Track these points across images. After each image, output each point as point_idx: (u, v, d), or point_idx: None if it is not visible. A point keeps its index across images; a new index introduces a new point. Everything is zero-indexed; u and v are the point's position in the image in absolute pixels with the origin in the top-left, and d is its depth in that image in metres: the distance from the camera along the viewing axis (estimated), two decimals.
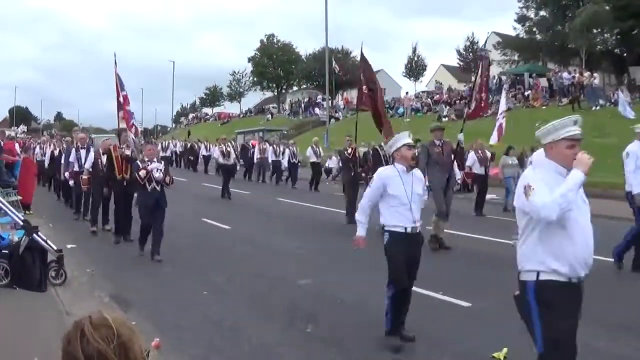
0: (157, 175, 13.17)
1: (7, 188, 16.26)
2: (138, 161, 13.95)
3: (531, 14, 56.74)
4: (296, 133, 60.06)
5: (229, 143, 31.18)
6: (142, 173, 13.06)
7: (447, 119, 48.64)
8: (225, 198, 25.62)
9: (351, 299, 10.19)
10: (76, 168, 18.76)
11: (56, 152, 24.85)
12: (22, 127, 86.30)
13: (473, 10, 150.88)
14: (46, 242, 10.70)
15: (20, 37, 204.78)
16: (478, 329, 8.51)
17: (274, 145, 36.44)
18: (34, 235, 10.45)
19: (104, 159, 16.25)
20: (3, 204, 11.29)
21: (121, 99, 17.87)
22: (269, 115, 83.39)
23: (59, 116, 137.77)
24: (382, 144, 18.73)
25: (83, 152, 18.69)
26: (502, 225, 17.63)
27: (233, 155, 29.36)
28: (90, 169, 16.94)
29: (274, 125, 68.83)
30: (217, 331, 8.63)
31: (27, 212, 16.89)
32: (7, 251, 10.30)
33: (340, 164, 27.36)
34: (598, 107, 38.10)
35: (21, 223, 10.70)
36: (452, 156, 15.28)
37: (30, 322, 8.62)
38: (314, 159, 32.32)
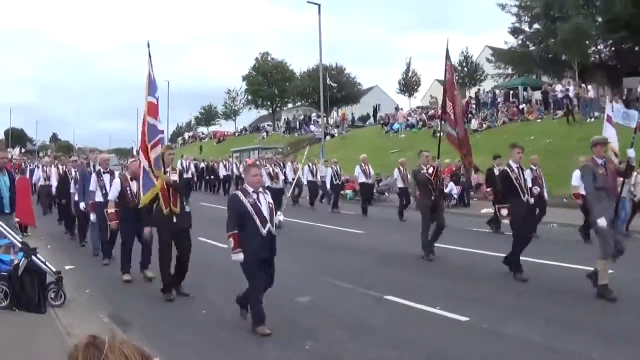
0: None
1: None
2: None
3: (525, 26, 56.93)
4: (292, 151, 60.08)
5: (275, 163, 27.86)
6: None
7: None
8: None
9: (349, 315, 10.22)
10: (99, 198, 15.21)
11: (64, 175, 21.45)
12: (17, 150, 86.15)
13: (467, 24, 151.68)
14: (45, 264, 10.72)
15: (14, 57, 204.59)
16: (477, 344, 8.55)
17: (310, 164, 31.49)
18: (33, 257, 10.48)
19: (134, 186, 13.30)
20: (2, 226, 11.32)
21: (144, 107, 12.11)
22: (264, 133, 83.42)
23: (54, 137, 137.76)
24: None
25: (107, 177, 15.44)
26: (496, 239, 17.76)
27: (282, 177, 26.57)
28: (117, 200, 13.77)
29: (270, 143, 68.83)
30: (218, 349, 8.67)
31: (24, 233, 16.87)
32: (6, 273, 10.33)
33: (398, 185, 25.97)
34: (592, 119, 38.16)
35: (19, 245, 10.74)
36: (617, 178, 11.87)
37: (30, 344, 8.63)
38: (363, 179, 27.71)
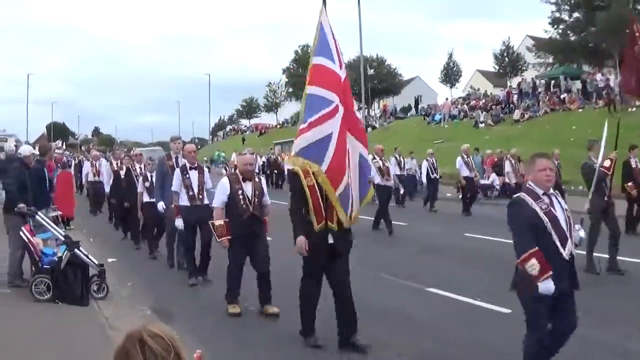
0: None
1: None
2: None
3: (565, 16, 56.21)
4: None
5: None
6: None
7: (483, 124, 48.44)
8: (377, 230, 19.02)
9: (390, 307, 10.19)
10: (184, 201, 12.29)
11: (123, 174, 18.25)
12: (58, 143, 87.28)
13: (507, 11, 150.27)
14: (87, 257, 10.82)
15: (52, 52, 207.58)
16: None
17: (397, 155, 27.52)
18: (76, 250, 10.60)
19: (248, 188, 10.10)
20: (44, 220, 11.46)
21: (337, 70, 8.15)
22: None
23: (96, 131, 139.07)
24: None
25: (194, 174, 12.51)
26: None
27: (393, 172, 22.51)
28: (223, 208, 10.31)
29: None
30: (259, 343, 8.68)
31: (67, 227, 17.04)
32: (49, 266, 10.46)
33: (462, 174, 23.56)
34: (634, 109, 37.61)
35: (62, 238, 10.87)
36: None
37: (73, 336, 8.72)
38: (466, 173, 23.73)
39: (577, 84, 49.25)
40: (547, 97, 47.60)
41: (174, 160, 14.04)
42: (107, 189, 21.38)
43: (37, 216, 11.28)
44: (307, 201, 8.10)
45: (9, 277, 11.33)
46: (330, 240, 8.16)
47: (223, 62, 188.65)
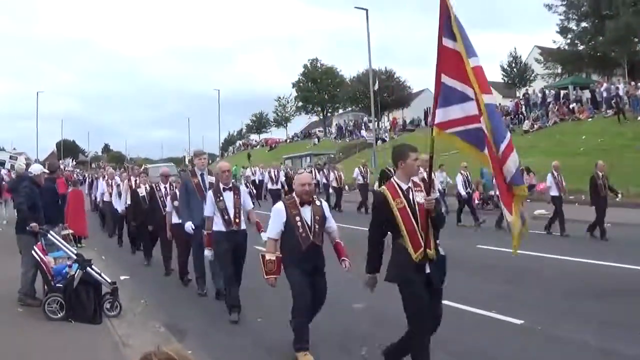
0: None
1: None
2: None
3: (572, 25, 56.24)
4: (344, 156, 60.03)
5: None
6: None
7: None
8: None
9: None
10: (219, 226, 10.76)
11: (143, 192, 17.43)
12: (69, 161, 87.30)
13: (515, 24, 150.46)
14: (100, 275, 10.86)
15: (62, 67, 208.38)
16: (532, 347, 8.47)
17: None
18: (88, 268, 10.63)
19: (307, 213, 8.56)
20: (56, 239, 11.51)
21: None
22: (316, 139, 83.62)
23: (106, 148, 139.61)
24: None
25: (228, 196, 10.94)
26: (547, 240, 17.59)
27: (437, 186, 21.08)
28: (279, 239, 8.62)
29: (321, 150, 68.88)
30: (272, 357, 8.68)
31: (79, 245, 17.07)
32: (61, 285, 10.49)
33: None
34: None
35: (74, 257, 10.90)
36: None
37: (87, 355, 8.73)
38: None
39: (587, 94, 49.21)
40: (557, 107, 47.58)
41: (199, 177, 12.93)
42: (120, 208, 20.90)
43: (48, 235, 11.34)
44: (399, 227, 6.86)
45: (20, 296, 11.35)
46: (427, 270, 6.91)
47: (233, 76, 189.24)
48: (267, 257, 8.41)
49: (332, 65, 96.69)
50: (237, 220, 10.86)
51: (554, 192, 21.00)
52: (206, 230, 11.11)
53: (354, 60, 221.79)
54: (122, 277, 13.91)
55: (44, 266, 10.66)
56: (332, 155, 60.05)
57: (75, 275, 10.44)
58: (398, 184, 7.01)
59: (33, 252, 10.74)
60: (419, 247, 6.79)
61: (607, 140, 35.80)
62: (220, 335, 9.84)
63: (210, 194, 11.06)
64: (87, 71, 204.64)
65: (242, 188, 11.75)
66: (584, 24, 55.43)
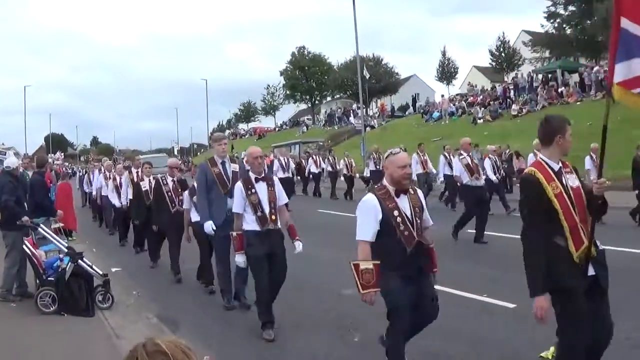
0: None
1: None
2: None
3: (560, 9, 56.24)
4: (333, 144, 59.98)
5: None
6: None
7: (482, 120, 48.46)
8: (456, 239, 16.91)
9: None
10: (251, 225, 9.03)
11: (146, 186, 15.76)
12: (59, 154, 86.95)
13: (503, 6, 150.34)
14: (91, 267, 10.84)
15: (49, 60, 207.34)
16: (525, 329, 8.49)
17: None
18: (79, 261, 10.62)
19: (405, 205, 6.70)
20: (47, 232, 11.47)
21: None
22: (304, 127, 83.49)
23: (94, 140, 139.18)
24: None
25: (262, 187, 9.24)
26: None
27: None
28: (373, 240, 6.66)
29: (310, 137, 68.81)
30: (266, 346, 8.67)
31: (69, 238, 17.01)
32: (53, 278, 10.48)
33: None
34: None
35: (65, 250, 10.87)
36: None
37: (80, 347, 8.71)
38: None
39: (575, 77, 49.24)
40: (545, 91, 47.59)
41: (220, 166, 10.89)
42: (118, 204, 19.32)
43: (39, 228, 11.31)
44: (559, 220, 5.51)
45: (2, 292, 11.33)
46: (592, 272, 5.63)
47: (221, 66, 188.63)
48: (362, 265, 6.44)
49: (319, 53, 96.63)
50: (273, 217, 9.11)
51: (593, 176, 20.62)
52: (235, 231, 9.26)
53: (342, 47, 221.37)
54: (113, 269, 13.89)
55: (35, 260, 10.64)
56: (322, 143, 59.87)
57: (67, 268, 10.42)
58: (548, 164, 5.72)
59: (24, 246, 10.71)
60: (581, 244, 5.51)
61: (596, 124, 35.81)
62: (214, 325, 9.86)
63: (239, 186, 9.25)
64: (74, 64, 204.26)
65: (276, 179, 9.96)
66: (571, 8, 55.40)
